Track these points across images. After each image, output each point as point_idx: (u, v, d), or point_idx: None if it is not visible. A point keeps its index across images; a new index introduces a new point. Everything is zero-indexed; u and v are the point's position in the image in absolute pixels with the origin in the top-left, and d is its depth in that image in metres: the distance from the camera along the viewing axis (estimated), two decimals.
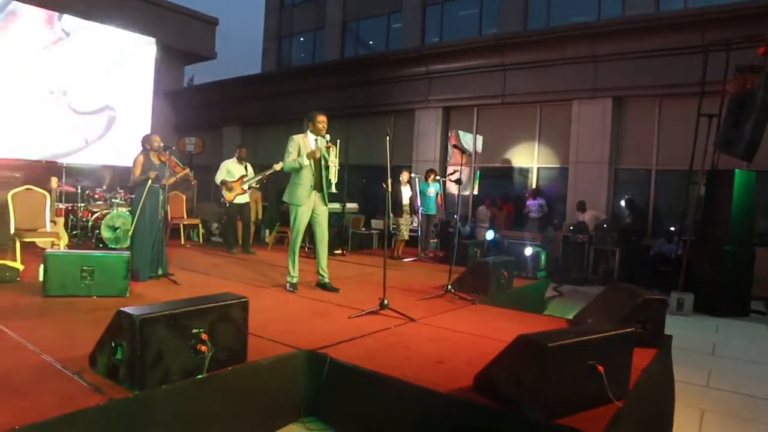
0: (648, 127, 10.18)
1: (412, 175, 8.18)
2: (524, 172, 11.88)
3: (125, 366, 2.35)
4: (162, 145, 5.11)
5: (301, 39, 19.89)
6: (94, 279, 4.05)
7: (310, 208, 4.98)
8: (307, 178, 4.90)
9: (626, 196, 10.60)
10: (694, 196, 7.90)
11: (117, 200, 7.14)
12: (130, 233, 5.00)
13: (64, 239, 5.90)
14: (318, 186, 4.98)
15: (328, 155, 4.94)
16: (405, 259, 7.97)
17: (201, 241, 9.11)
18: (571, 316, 4.95)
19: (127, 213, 7.07)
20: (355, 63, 14.66)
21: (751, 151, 7.12)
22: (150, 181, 4.97)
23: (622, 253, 9.15)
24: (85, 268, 4.01)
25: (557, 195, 11.40)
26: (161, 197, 5.08)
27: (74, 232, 6.88)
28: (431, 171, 8.93)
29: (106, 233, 6.70)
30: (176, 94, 17.37)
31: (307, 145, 4.93)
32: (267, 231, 11.23)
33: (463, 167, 11.01)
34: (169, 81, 15.93)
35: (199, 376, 2.50)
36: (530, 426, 2.33)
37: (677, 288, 7.27)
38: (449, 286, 5.10)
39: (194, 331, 2.50)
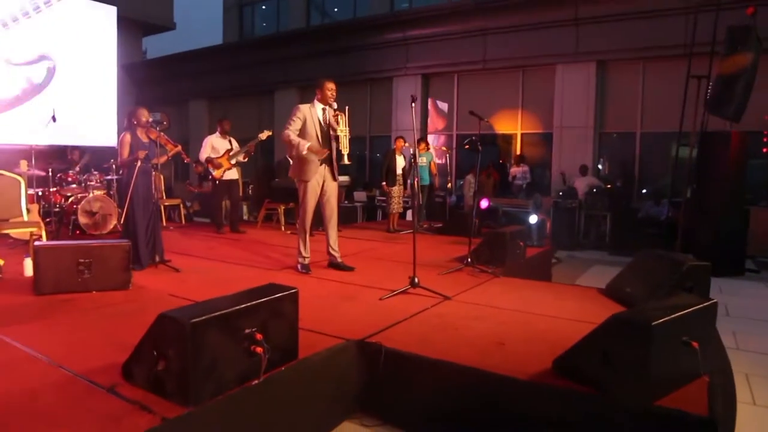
0: (632, 90, 10.09)
1: (406, 144, 7.80)
2: (508, 139, 11.71)
3: (174, 378, 2.01)
4: (150, 120, 4.61)
5: (264, 7, 18.92)
6: (92, 272, 3.62)
7: (319, 183, 4.64)
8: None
9: (601, 160, 10.59)
10: (684, 158, 7.87)
11: (92, 183, 6.56)
12: (122, 219, 4.54)
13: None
14: (327, 159, 4.63)
15: (337, 124, 4.59)
16: (402, 232, 7.66)
17: (183, 222, 8.60)
18: (578, 283, 4.82)
19: (105, 196, 6.54)
20: (326, 30, 14.01)
21: (740, 113, 7.10)
22: (139, 162, 4.50)
23: (612, 217, 9.16)
24: (81, 261, 3.57)
25: (541, 161, 11.31)
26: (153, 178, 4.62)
27: (47, 220, 6.30)
28: (423, 140, 8.62)
29: (83, 219, 6.15)
30: (135, 66, 16.31)
31: (314, 116, 4.57)
32: (245, 207, 10.78)
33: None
34: (127, 54, 14.91)
35: (255, 382, 2.19)
36: (627, 411, 2.15)
37: (671, 250, 7.28)
38: (469, 259, 4.88)
39: (247, 331, 2.18)
